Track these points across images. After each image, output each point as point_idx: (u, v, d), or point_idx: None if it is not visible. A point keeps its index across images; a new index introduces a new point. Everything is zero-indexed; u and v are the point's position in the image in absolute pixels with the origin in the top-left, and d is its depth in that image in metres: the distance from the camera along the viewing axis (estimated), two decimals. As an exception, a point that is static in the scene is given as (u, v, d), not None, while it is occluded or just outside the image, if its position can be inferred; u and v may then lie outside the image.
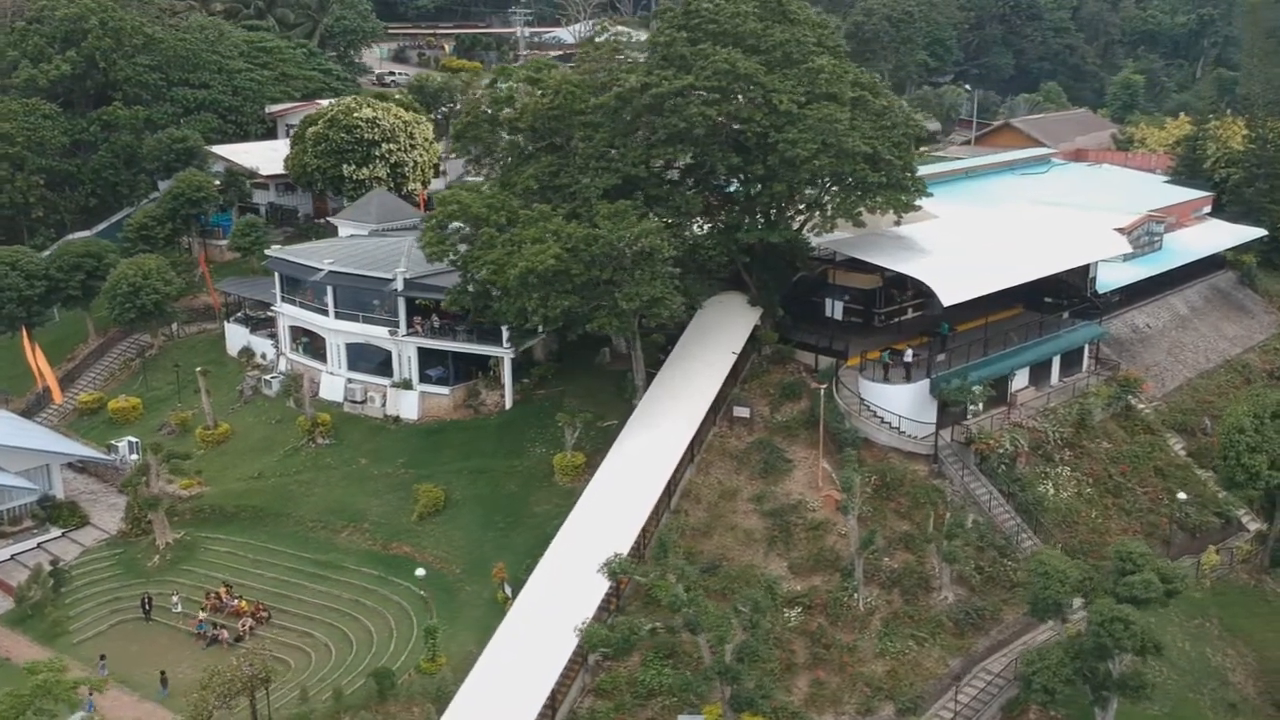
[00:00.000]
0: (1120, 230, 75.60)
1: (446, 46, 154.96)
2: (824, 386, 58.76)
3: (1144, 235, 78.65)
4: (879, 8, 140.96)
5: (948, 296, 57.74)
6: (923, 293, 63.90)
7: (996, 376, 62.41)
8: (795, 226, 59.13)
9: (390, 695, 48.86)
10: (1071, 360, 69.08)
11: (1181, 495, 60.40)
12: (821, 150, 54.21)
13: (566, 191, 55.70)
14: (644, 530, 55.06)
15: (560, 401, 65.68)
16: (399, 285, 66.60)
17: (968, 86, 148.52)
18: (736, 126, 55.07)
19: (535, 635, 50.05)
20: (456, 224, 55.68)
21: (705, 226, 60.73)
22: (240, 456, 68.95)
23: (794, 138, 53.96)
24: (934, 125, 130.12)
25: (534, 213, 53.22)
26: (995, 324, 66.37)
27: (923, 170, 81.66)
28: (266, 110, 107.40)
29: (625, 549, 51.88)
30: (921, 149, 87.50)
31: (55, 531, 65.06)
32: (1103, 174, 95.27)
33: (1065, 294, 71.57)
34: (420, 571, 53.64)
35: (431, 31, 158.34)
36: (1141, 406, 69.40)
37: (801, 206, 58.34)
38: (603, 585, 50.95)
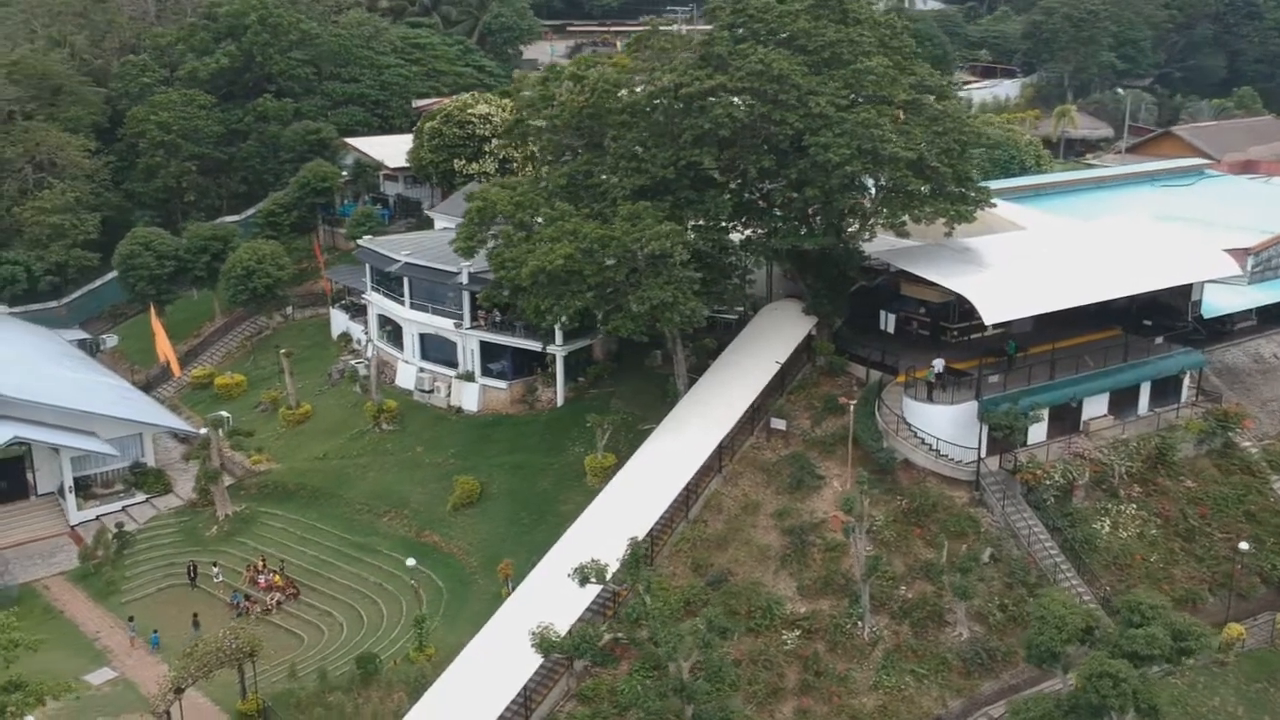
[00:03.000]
0: (1246, 250, 69.08)
1: (618, 43, 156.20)
2: (854, 402, 56.12)
3: (1277, 257, 71.58)
4: (1059, 6, 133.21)
5: (991, 315, 54.22)
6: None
7: (1060, 402, 58.04)
8: (839, 233, 56.41)
9: (372, 680, 49.64)
10: (1166, 390, 63.59)
11: (1244, 545, 54.58)
12: (856, 156, 51.66)
13: (597, 191, 55.20)
14: (652, 537, 54.02)
15: (608, 401, 65.32)
16: (464, 279, 67.64)
17: (1156, 89, 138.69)
18: (771, 129, 52.97)
19: (520, 634, 49.89)
20: (489, 221, 55.88)
21: (745, 232, 58.89)
22: (313, 437, 71.81)
23: (827, 141, 51.87)
24: (1104, 131, 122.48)
25: (555, 211, 52.95)
26: (1074, 347, 61.67)
27: (1043, 179, 77.37)
28: (413, 105, 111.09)
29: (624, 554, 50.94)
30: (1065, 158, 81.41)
31: (140, 496, 69.26)
32: (1263, 188, 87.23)
33: (1165, 317, 65.90)
34: (411, 561, 54.39)
35: (605, 29, 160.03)
36: (1246, 445, 63.15)
37: (845, 212, 55.67)
38: (593, 589, 50.30)
